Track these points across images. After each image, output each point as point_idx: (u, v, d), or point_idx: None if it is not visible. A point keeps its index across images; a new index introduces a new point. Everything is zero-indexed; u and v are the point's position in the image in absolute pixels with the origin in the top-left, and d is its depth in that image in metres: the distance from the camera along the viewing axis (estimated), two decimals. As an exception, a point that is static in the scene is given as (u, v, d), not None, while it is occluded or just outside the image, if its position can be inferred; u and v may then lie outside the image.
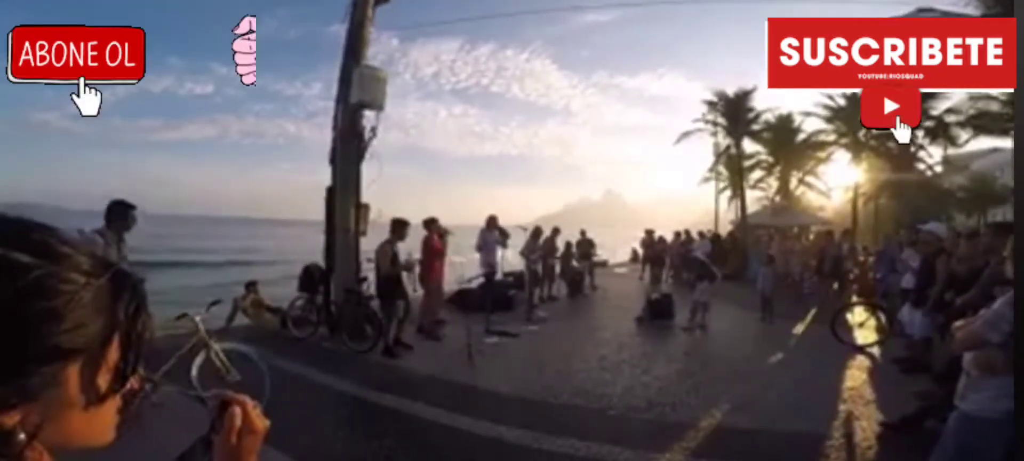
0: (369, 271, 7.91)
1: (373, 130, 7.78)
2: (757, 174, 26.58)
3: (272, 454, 3.46)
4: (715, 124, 26.04)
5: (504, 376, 5.64)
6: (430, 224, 7.80)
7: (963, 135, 20.66)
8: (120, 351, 0.52)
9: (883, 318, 7.12)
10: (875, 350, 6.80)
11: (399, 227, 6.81)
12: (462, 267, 8.69)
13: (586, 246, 13.41)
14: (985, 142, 22.45)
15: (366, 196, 7.94)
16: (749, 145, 26.15)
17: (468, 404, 4.70)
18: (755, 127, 25.64)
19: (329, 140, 8.02)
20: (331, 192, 7.82)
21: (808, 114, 24.42)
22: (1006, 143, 20.10)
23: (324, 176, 7.94)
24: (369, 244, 7.82)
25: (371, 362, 6.24)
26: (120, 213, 4.35)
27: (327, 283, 7.76)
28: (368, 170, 7.87)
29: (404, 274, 7.05)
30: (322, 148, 8.05)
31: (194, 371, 4.20)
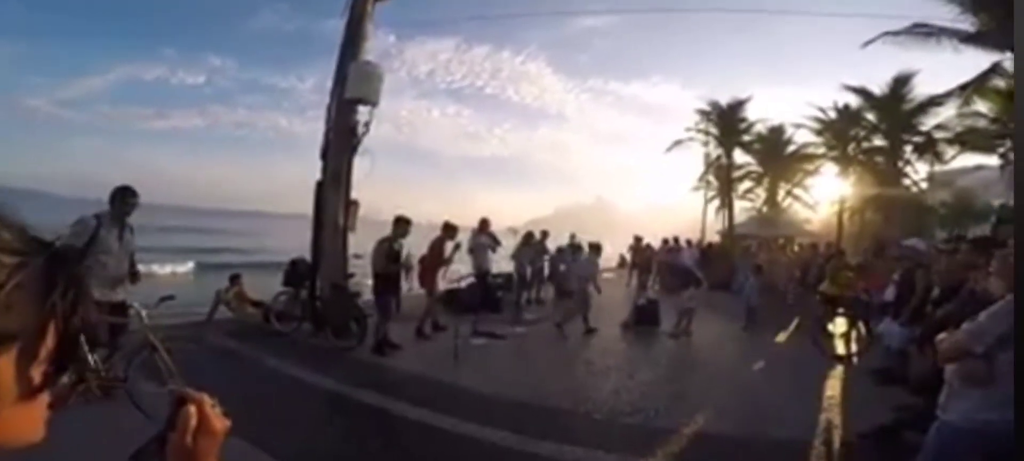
0: (356, 268, 7.87)
1: (366, 125, 7.74)
2: (746, 184, 26.86)
3: (251, 452, 3.41)
4: (707, 133, 26.27)
5: (490, 378, 5.63)
6: (447, 228, 7.73)
7: (950, 151, 20.99)
8: (55, 341, 0.47)
9: (863, 329, 7.22)
10: (854, 360, 6.89)
11: (401, 224, 6.75)
12: (452, 270, 8.66)
13: (575, 251, 13.42)
14: (971, 159, 22.87)
15: (356, 193, 7.90)
16: (739, 155, 26.43)
17: (454, 405, 4.68)
18: (746, 138, 25.91)
19: (321, 135, 7.95)
20: (321, 186, 7.76)
21: (799, 126, 24.74)
22: (992, 160, 20.51)
23: (314, 171, 7.87)
24: (358, 241, 7.78)
25: (356, 359, 6.18)
26: (119, 199, 4.36)
27: (313, 278, 7.69)
28: (359, 166, 7.84)
29: (403, 272, 6.99)
30: (314, 143, 7.97)
31: (130, 369, 4.02)
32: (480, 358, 6.48)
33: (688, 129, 26.92)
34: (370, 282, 6.89)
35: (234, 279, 8.24)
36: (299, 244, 8.98)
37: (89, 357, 3.80)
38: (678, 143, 27.21)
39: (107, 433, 2.50)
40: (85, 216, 4.28)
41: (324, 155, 7.82)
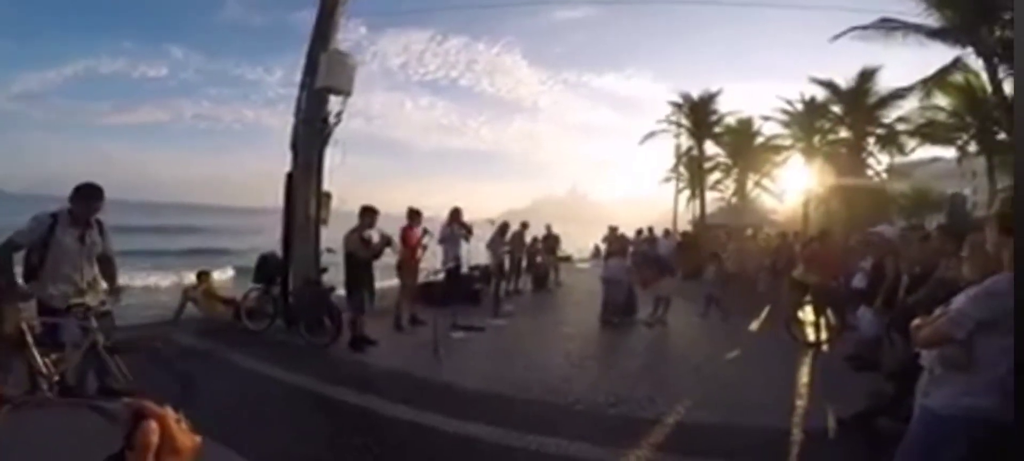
0: (330, 262, 7.68)
1: (338, 116, 7.55)
2: (716, 176, 27.43)
3: (225, 453, 3.29)
4: (679, 125, 26.68)
5: (470, 371, 5.57)
6: (414, 214, 7.60)
7: (911, 143, 21.81)
8: None
9: (833, 316, 7.42)
10: (825, 347, 7.09)
11: (368, 214, 6.56)
12: (425, 260, 8.54)
13: (552, 241, 13.49)
14: (929, 151, 23.82)
15: (327, 184, 7.70)
16: (710, 147, 26.94)
17: (434, 400, 4.60)
18: (717, 130, 26.41)
19: (290, 127, 7.71)
20: (291, 178, 7.53)
21: (767, 118, 25.35)
22: (949, 153, 21.43)
23: (283, 165, 7.63)
24: (331, 234, 7.58)
25: (331, 356, 6.04)
26: (80, 197, 3.97)
27: (285, 273, 7.47)
28: (331, 157, 7.64)
29: (387, 249, 6.82)
30: (282, 136, 7.73)
31: (85, 375, 3.86)
32: (460, 351, 6.40)
33: (660, 121, 27.30)
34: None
35: (202, 276, 7.96)
36: (269, 240, 8.70)
37: (39, 362, 3.59)
38: (651, 135, 27.56)
39: (69, 439, 2.34)
40: (41, 214, 3.96)
41: (294, 145, 7.59)
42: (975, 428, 1.80)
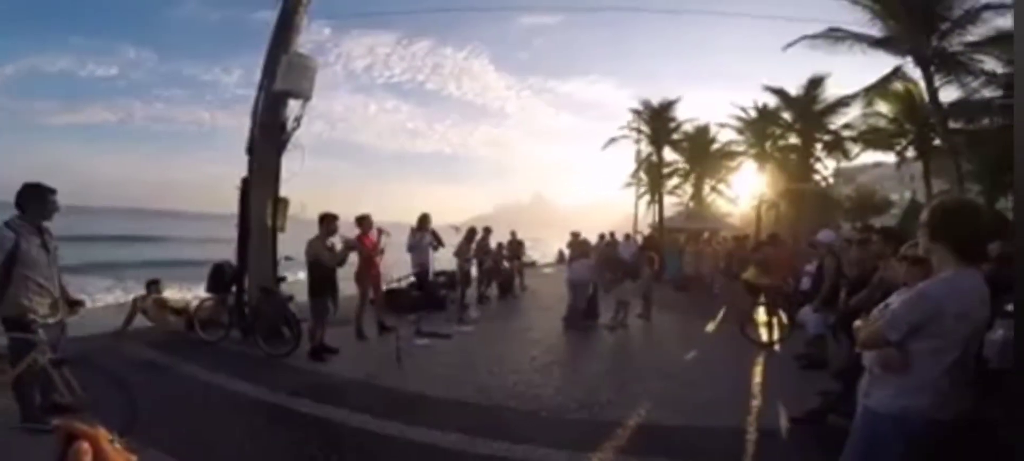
0: (286, 270, 7.48)
1: (297, 120, 7.37)
2: (674, 181, 28.19)
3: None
4: (639, 132, 27.30)
5: (435, 379, 5.53)
6: (362, 221, 7.45)
7: (855, 149, 23.04)
8: None
9: (784, 317, 7.76)
10: (777, 347, 7.40)
11: (328, 221, 6.43)
12: (391, 267, 8.42)
13: (516, 247, 13.55)
14: (872, 156, 25.21)
15: (287, 189, 7.50)
16: (669, 153, 27.69)
17: (398, 409, 4.55)
18: (675, 136, 27.18)
19: (247, 130, 7.47)
20: (247, 184, 7.29)
21: (723, 125, 26.31)
22: (889, 158, 22.73)
23: (241, 167, 7.39)
24: (292, 241, 7.39)
25: (290, 366, 5.89)
26: (36, 198, 3.70)
27: (240, 282, 7.23)
28: (289, 162, 7.45)
29: (354, 255, 6.67)
30: (240, 139, 7.49)
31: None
32: (425, 359, 6.35)
33: (621, 128, 27.90)
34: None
35: (152, 285, 7.60)
36: (227, 248, 8.37)
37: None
38: (612, 141, 28.12)
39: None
40: None
41: (250, 150, 7.36)
42: (912, 426, 1.92)
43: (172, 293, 8.32)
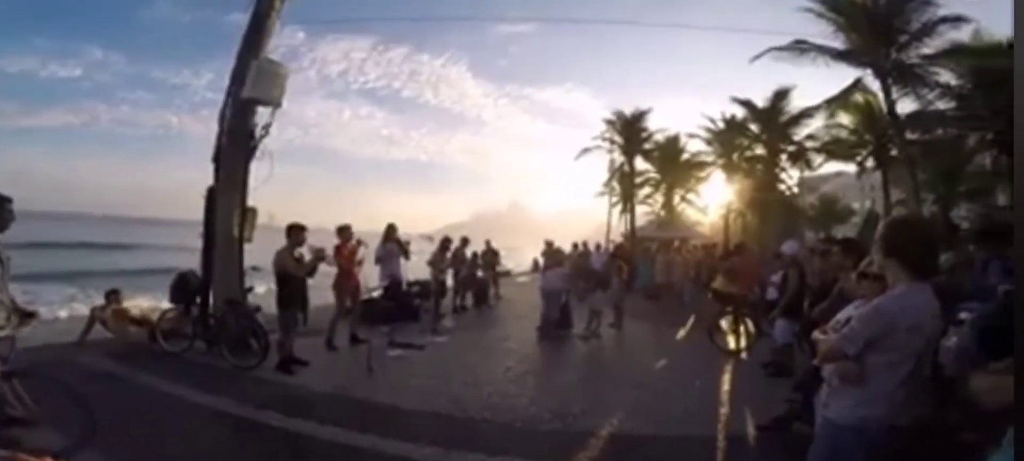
0: (254, 280, 7.32)
1: (266, 128, 7.22)
2: (646, 190, 28.71)
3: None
4: (612, 142, 27.73)
5: (409, 390, 5.48)
6: (342, 231, 7.40)
7: (818, 159, 23.84)
8: None
9: (751, 325, 7.97)
10: (744, 355, 7.58)
11: (295, 232, 6.32)
12: (368, 278, 8.32)
13: (491, 257, 13.55)
14: (834, 166, 26.15)
15: (255, 198, 7.33)
16: (640, 163, 28.20)
17: (370, 421, 4.49)
18: (647, 146, 27.70)
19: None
20: (213, 193, 7.09)
21: (692, 136, 26.92)
22: (850, 168, 23.63)
23: (208, 174, 7.19)
24: (260, 250, 7.23)
25: (257, 378, 5.75)
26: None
27: (205, 293, 7.01)
28: (258, 171, 7.27)
29: (321, 264, 6.55)
30: (211, 144, 7.29)
31: None
32: (397, 370, 6.28)
33: (595, 138, 28.31)
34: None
35: (111, 295, 7.32)
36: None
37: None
38: (586, 151, 28.49)
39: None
40: None
41: (216, 159, 7.17)
42: (871, 436, 2.00)
43: (140, 303, 8.02)
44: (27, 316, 3.89)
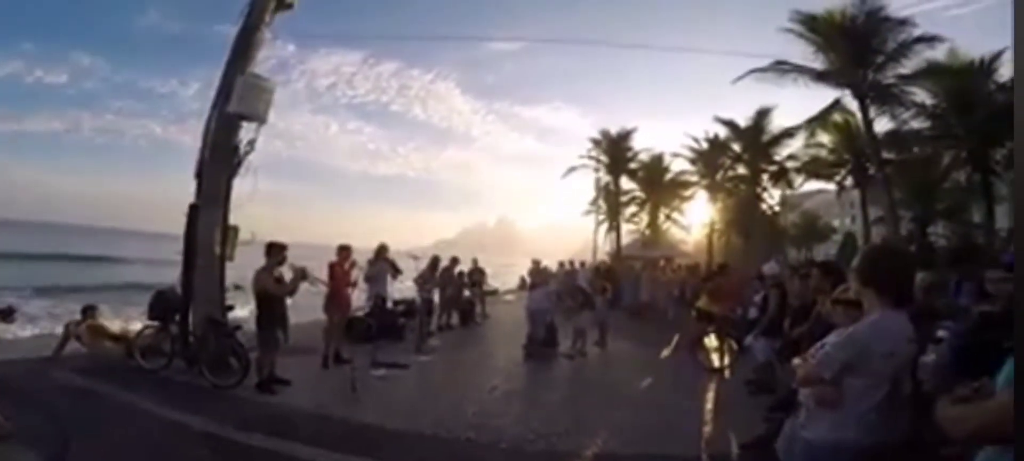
0: (235, 298, 7.20)
1: (250, 143, 7.16)
2: (631, 209, 29.00)
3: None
4: (598, 161, 28.01)
5: (393, 410, 5.41)
6: (342, 251, 7.45)
7: (799, 179, 24.31)
8: None
9: (734, 343, 8.05)
10: (727, 373, 7.64)
11: (276, 251, 6.22)
12: (358, 297, 8.28)
13: (478, 275, 13.54)
14: (815, 185, 26.66)
15: (238, 213, 7.23)
16: (626, 182, 28.51)
17: (353, 442, 4.44)
18: (632, 166, 28.03)
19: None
20: (194, 210, 6.99)
21: (676, 155, 27.31)
22: (830, 186, 24.12)
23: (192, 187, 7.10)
24: (243, 267, 7.13)
25: (238, 398, 5.64)
26: None
27: (185, 311, 6.88)
28: (241, 187, 7.19)
29: (305, 284, 6.47)
30: (195, 156, 7.20)
31: None
32: (381, 390, 6.21)
33: (581, 156, 28.59)
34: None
35: (87, 311, 7.15)
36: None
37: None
38: (573, 169, 28.73)
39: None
40: None
41: (199, 175, 7.08)
42: (848, 456, 2.05)
43: (118, 321, 7.85)
44: (4, 314, 3.80)
